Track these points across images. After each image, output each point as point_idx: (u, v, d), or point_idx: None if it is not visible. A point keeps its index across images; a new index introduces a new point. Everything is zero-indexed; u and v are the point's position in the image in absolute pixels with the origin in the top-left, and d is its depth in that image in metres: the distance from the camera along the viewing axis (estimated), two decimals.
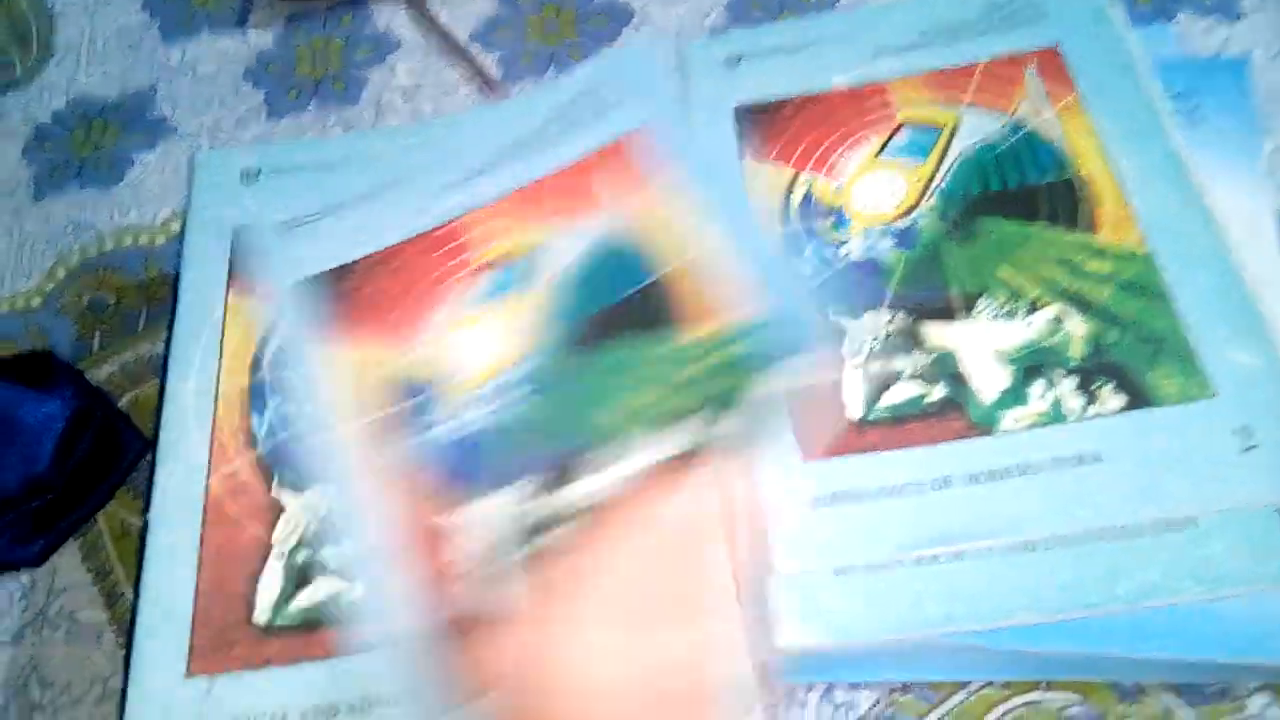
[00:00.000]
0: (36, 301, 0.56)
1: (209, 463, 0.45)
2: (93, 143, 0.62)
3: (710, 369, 0.39)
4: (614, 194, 0.45)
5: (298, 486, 0.44)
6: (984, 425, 0.41)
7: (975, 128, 0.48)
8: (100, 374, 0.53)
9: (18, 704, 0.45)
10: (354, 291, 0.46)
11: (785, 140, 0.50)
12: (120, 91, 0.63)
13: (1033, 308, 0.44)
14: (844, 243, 0.47)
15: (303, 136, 0.59)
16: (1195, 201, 0.44)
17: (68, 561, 0.48)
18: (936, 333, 0.44)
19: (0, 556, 0.47)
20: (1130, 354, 0.42)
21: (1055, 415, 0.41)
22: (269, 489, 0.44)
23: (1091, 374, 0.42)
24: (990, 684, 0.40)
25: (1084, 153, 0.47)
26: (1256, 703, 0.39)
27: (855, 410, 0.43)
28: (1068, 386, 0.42)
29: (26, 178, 0.61)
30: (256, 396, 0.46)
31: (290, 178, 0.53)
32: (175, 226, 0.57)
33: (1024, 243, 0.45)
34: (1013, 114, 0.48)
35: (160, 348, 0.53)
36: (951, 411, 0.42)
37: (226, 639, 0.41)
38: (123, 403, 0.52)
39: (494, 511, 0.39)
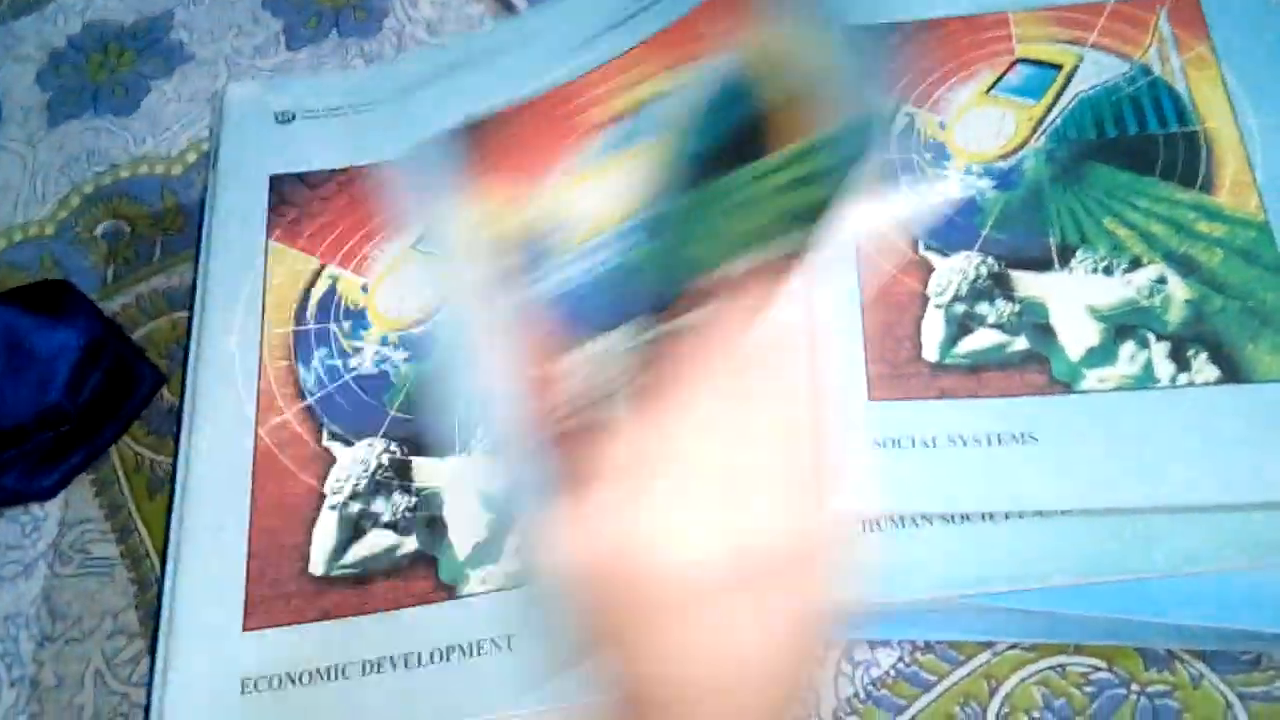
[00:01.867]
0: (50, 230, 0.55)
1: (256, 414, 0.44)
2: (108, 69, 0.60)
3: (792, 183, 0.38)
4: (723, 33, 0.44)
5: (347, 438, 0.43)
6: (1066, 382, 0.39)
7: (1096, 70, 0.46)
8: (114, 305, 0.52)
9: (28, 635, 0.45)
10: (479, 148, 0.45)
11: (895, 68, 0.47)
12: (137, 16, 0.62)
13: (1134, 265, 0.41)
14: (944, 178, 0.45)
15: (322, 67, 0.57)
16: None
17: (80, 495, 0.48)
18: (1028, 281, 0.42)
19: (13, 489, 0.47)
20: (1232, 325, 0.40)
21: (1144, 379, 0.39)
22: (319, 439, 0.43)
23: (1186, 341, 0.40)
24: (1016, 646, 0.39)
25: (1210, 107, 0.44)
26: None
27: (931, 353, 0.41)
28: (1160, 351, 0.39)
29: (41, 104, 0.60)
30: (302, 346, 0.45)
31: (324, 121, 0.51)
32: (192, 156, 0.56)
33: (1134, 195, 0.43)
34: (1139, 59, 0.46)
35: (175, 280, 0.52)
36: (1033, 364, 0.40)
37: (283, 591, 0.40)
38: (137, 335, 0.51)
39: (602, 352, 0.38)
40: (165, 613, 0.40)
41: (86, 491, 0.48)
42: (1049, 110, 0.45)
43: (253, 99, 0.51)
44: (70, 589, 0.46)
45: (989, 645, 0.40)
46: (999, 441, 0.38)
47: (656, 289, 0.37)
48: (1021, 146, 0.45)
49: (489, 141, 0.43)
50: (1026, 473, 0.38)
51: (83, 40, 0.62)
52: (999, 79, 0.47)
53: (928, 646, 0.40)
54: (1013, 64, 0.47)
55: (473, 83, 0.49)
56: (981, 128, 0.46)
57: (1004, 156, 0.45)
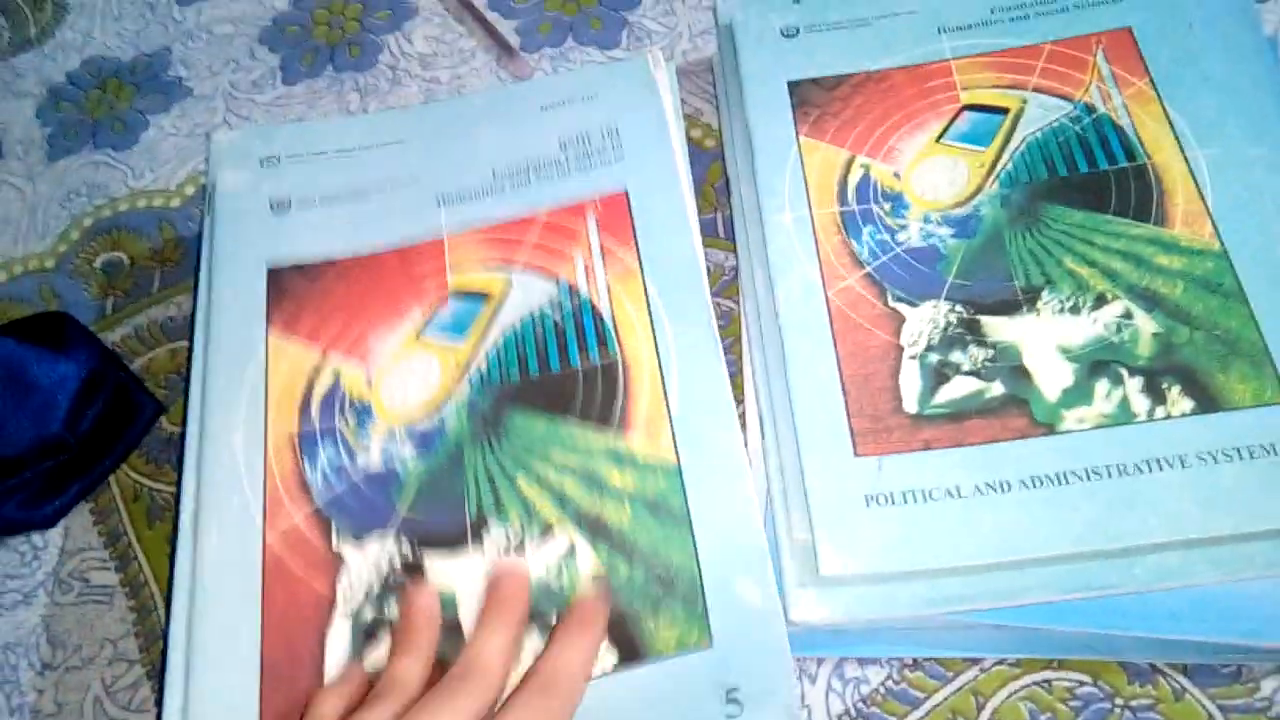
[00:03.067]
0: (50, 263, 0.56)
1: (263, 518, 0.42)
2: (107, 104, 0.61)
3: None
4: (1109, 72, 0.46)
5: (358, 538, 0.42)
6: (1047, 424, 0.40)
7: (1041, 112, 0.47)
8: (114, 336, 0.53)
9: (28, 663, 0.45)
10: (838, 102, 0.47)
11: (842, 121, 0.48)
12: (135, 52, 0.63)
13: (1100, 302, 0.42)
14: (903, 228, 0.45)
15: (317, 103, 0.59)
16: (1276, 196, 0.43)
17: (79, 523, 0.48)
18: (998, 325, 0.42)
19: (12, 517, 0.47)
20: (1201, 355, 0.40)
21: (1122, 416, 0.39)
22: (329, 544, 0.42)
23: (1159, 374, 0.40)
24: (1002, 662, 0.40)
25: (1156, 141, 0.45)
26: (1270, 685, 0.39)
27: (911, 404, 0.41)
28: (1134, 386, 0.40)
29: (40, 138, 0.61)
30: (308, 445, 0.44)
31: (320, 210, 0.50)
32: (190, 189, 0.57)
33: (1091, 233, 0.43)
34: (1081, 98, 0.47)
35: (173, 310, 0.53)
36: (1013, 409, 0.40)
37: (299, 701, 0.38)
38: (136, 365, 0.52)
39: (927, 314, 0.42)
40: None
41: (86, 520, 0.48)
42: (999, 155, 0.46)
43: (248, 185, 0.50)
44: (70, 617, 0.46)
45: (976, 661, 0.40)
46: (988, 489, 0.39)
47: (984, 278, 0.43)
48: (976, 193, 0.46)
49: (846, 98, 0.48)
50: (1016, 519, 0.38)
51: (82, 76, 0.63)
52: (947, 127, 0.47)
53: (916, 664, 0.41)
54: (959, 111, 0.48)
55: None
56: (936, 176, 0.46)
57: (960, 204, 0.45)
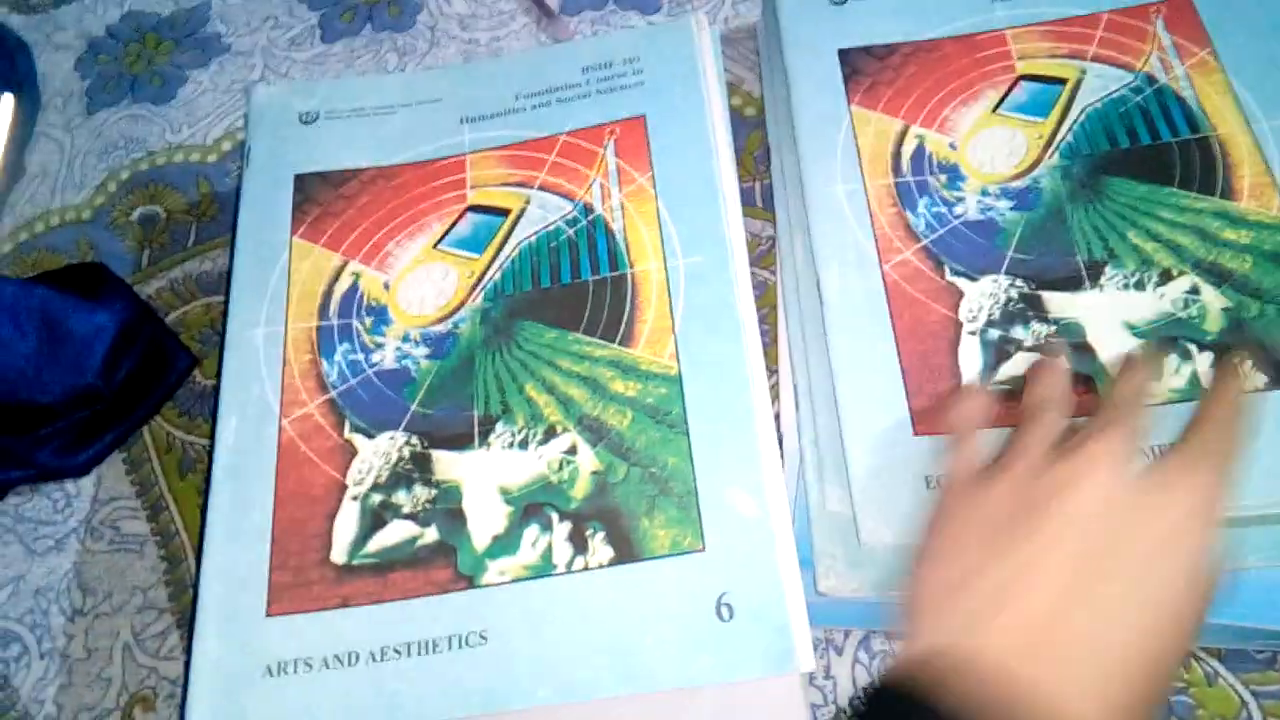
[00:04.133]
0: (87, 214, 0.56)
1: (280, 406, 0.45)
2: (146, 58, 0.61)
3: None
4: (1169, 43, 0.45)
5: (369, 431, 0.44)
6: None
7: (1100, 82, 0.46)
8: (149, 289, 0.53)
9: (59, 609, 0.46)
10: (891, 71, 0.47)
11: (895, 90, 0.47)
12: (175, 8, 0.63)
13: (1166, 277, 0.41)
14: (959, 199, 0.44)
15: (355, 62, 0.58)
16: None
17: (113, 473, 0.49)
18: (1060, 301, 0.42)
19: (47, 464, 0.48)
20: (1272, 329, 0.39)
21: (1189, 392, 0.39)
22: (341, 432, 0.44)
23: (1229, 349, 0.39)
24: None
25: (1220, 113, 0.44)
26: None
27: (972, 378, 0.40)
28: (1204, 362, 0.39)
29: (79, 91, 0.61)
30: (325, 340, 0.46)
31: (347, 122, 0.52)
32: (227, 145, 0.57)
33: (1155, 207, 0.43)
34: (1141, 68, 0.46)
35: (208, 265, 0.53)
36: (1077, 387, 0.38)
37: (305, 579, 0.41)
38: (171, 319, 0.52)
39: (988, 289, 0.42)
40: (196, 597, 0.41)
41: (119, 470, 0.49)
42: (1058, 126, 0.45)
43: (278, 100, 0.53)
44: (101, 564, 0.47)
45: None
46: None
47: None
48: (1035, 165, 0.45)
49: (898, 66, 0.47)
50: None
51: (121, 30, 0.63)
52: (1004, 97, 0.47)
53: None
54: (1016, 81, 0.47)
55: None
56: (993, 148, 0.46)
57: (1018, 176, 0.45)
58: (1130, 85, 0.46)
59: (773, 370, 0.45)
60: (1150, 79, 0.46)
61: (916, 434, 0.40)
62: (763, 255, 0.49)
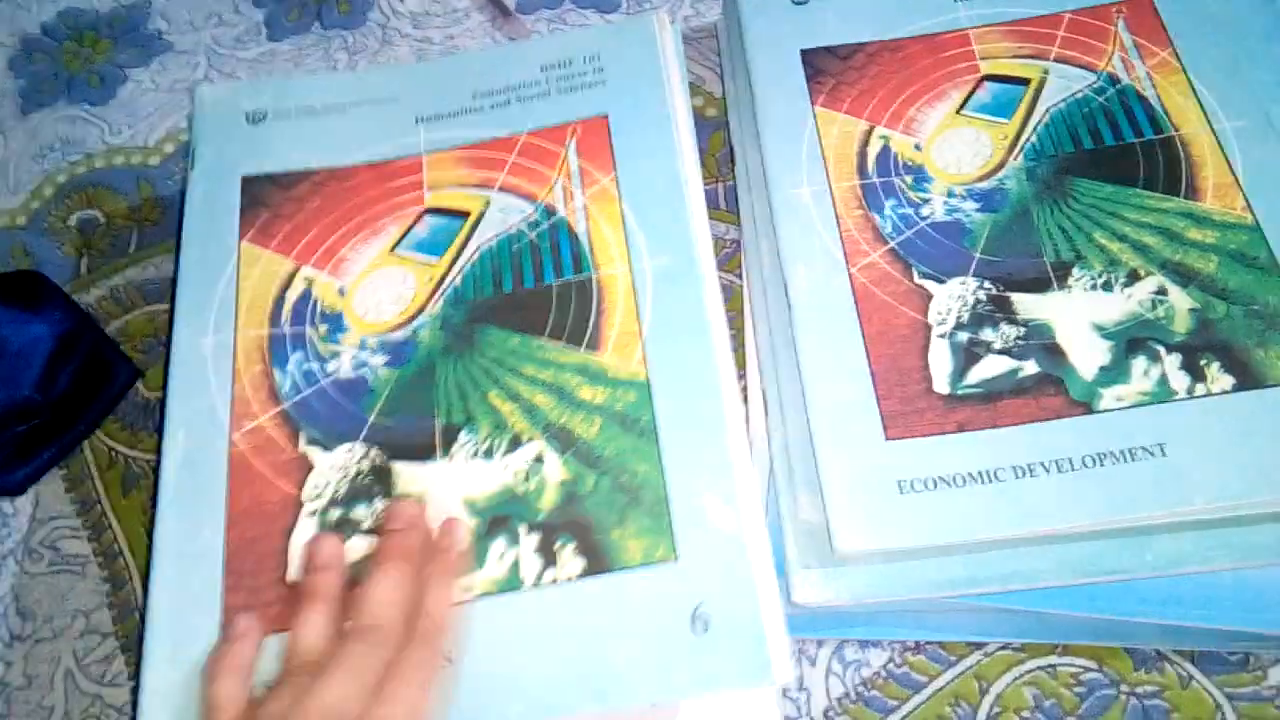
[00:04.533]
0: (22, 220, 0.54)
1: (230, 418, 0.43)
2: (83, 57, 0.59)
3: None
4: (1131, 43, 0.45)
5: (326, 444, 0.42)
6: (1085, 403, 0.38)
7: (1063, 83, 0.46)
8: (88, 297, 0.51)
9: None
10: (854, 71, 0.47)
11: (859, 91, 0.47)
12: (114, 4, 0.60)
13: (1133, 278, 0.41)
14: (925, 201, 0.44)
15: (303, 61, 0.57)
16: None
17: (51, 491, 0.46)
18: (1029, 302, 0.41)
19: None
20: (1239, 330, 0.39)
21: (1161, 394, 0.38)
22: (296, 445, 0.42)
23: (1197, 351, 0.39)
24: (1006, 646, 0.39)
25: (1182, 112, 0.44)
26: (1278, 674, 0.38)
27: (941, 385, 0.40)
28: (1173, 363, 0.39)
29: (12, 91, 0.58)
30: (277, 348, 0.44)
31: (296, 122, 0.50)
32: (170, 147, 0.55)
33: (1121, 207, 0.43)
34: (1103, 69, 0.46)
35: (151, 272, 0.51)
36: (1049, 388, 0.39)
37: (262, 599, 0.39)
38: (112, 328, 0.50)
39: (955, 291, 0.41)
40: (144, 622, 0.39)
41: (58, 487, 0.46)
42: (1022, 127, 0.45)
43: (224, 100, 0.51)
44: (40, 587, 0.44)
45: (979, 646, 0.40)
46: (1024, 473, 0.37)
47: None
48: (1001, 166, 0.45)
49: (861, 68, 0.47)
50: (1050, 500, 0.37)
51: (57, 27, 0.60)
52: (968, 98, 0.46)
53: (918, 647, 0.40)
54: (979, 81, 0.47)
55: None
56: (958, 148, 0.45)
57: (984, 177, 0.44)
58: (1093, 85, 0.46)
59: (740, 375, 0.44)
60: (1113, 79, 0.46)
61: (888, 439, 0.39)
62: (728, 258, 0.48)
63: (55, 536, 0.45)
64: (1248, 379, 0.38)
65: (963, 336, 0.41)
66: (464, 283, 0.45)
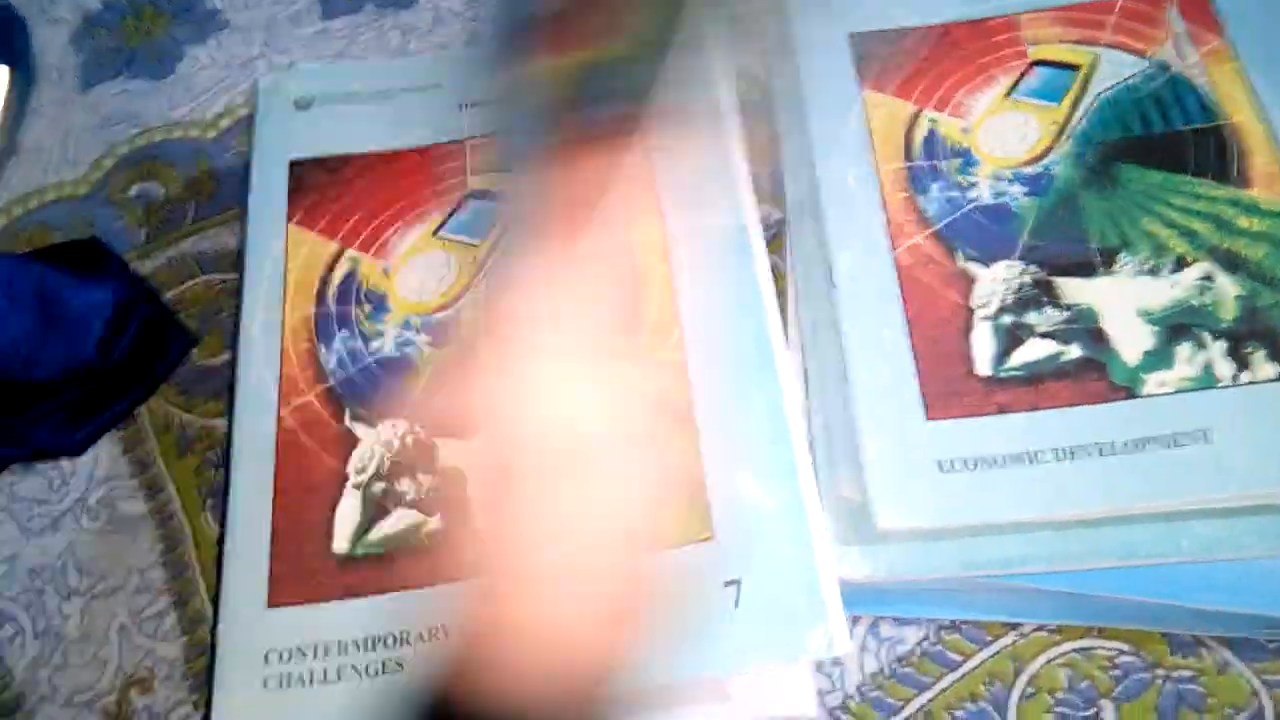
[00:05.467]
0: (84, 191, 0.55)
1: (279, 396, 0.44)
2: (143, 32, 0.60)
3: None
4: (1183, 30, 0.45)
5: (370, 420, 0.43)
6: (1127, 388, 0.39)
7: (1113, 69, 0.46)
8: (145, 267, 0.52)
9: (54, 589, 0.45)
10: (902, 55, 0.47)
11: (907, 75, 0.47)
12: None
13: (1179, 265, 0.41)
14: (972, 185, 0.44)
15: (357, 39, 0.58)
16: None
17: (109, 452, 0.48)
18: (1074, 287, 0.41)
19: (43, 443, 0.47)
20: None
21: (1205, 380, 0.39)
22: (341, 421, 0.43)
23: (1243, 338, 0.39)
24: (1042, 628, 0.40)
25: (1233, 101, 0.44)
26: None
27: (984, 367, 0.40)
28: (1218, 350, 0.39)
29: (74, 66, 0.60)
30: (323, 328, 0.45)
31: (343, 107, 0.51)
32: (226, 123, 0.56)
33: (1169, 194, 0.43)
34: (1155, 56, 0.46)
35: (207, 244, 0.52)
36: (1091, 372, 0.39)
37: (306, 568, 0.40)
38: (168, 297, 0.51)
39: None
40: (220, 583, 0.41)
41: (115, 449, 0.48)
42: (1071, 112, 0.45)
43: (276, 86, 0.52)
44: (97, 544, 0.46)
45: (1015, 626, 0.40)
46: (1065, 456, 0.38)
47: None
48: (1049, 150, 0.45)
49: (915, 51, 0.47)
50: (1091, 483, 0.37)
51: (117, 3, 0.62)
52: (1017, 82, 0.46)
53: (954, 625, 0.40)
54: (1029, 67, 0.47)
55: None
56: (1006, 133, 0.45)
57: (1032, 161, 0.45)
58: (1144, 72, 0.46)
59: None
60: (1164, 66, 0.46)
61: (929, 419, 0.39)
62: (771, 240, 0.48)
63: (113, 496, 0.47)
64: None
65: (1006, 320, 0.41)
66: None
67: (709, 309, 0.43)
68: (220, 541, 0.42)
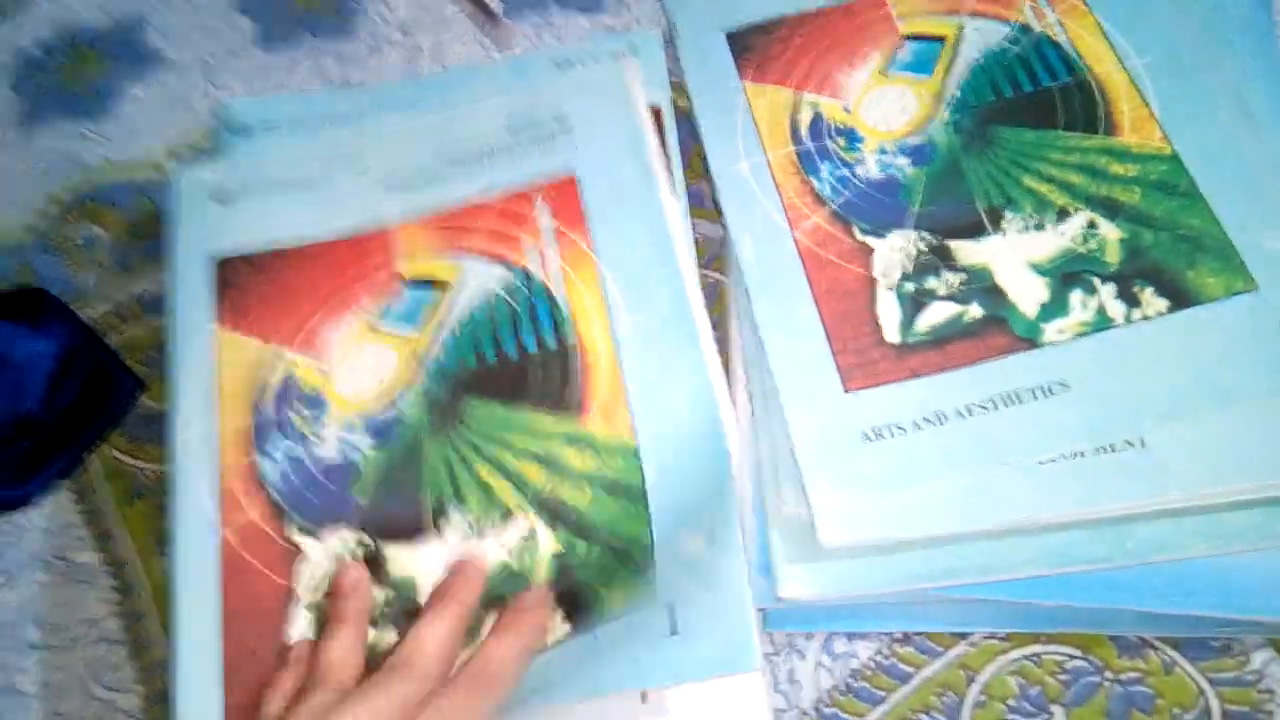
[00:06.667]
0: (26, 238, 0.55)
1: (220, 513, 0.42)
2: (81, 74, 0.60)
3: None
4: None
5: (317, 530, 0.41)
6: (1028, 339, 0.40)
7: (979, 36, 0.48)
8: (93, 312, 0.52)
9: (11, 644, 0.45)
10: (778, 44, 0.49)
11: (784, 62, 0.49)
12: (110, 20, 0.61)
13: (1062, 216, 0.43)
14: (859, 161, 0.46)
15: (296, 70, 0.57)
16: (1216, 93, 0.44)
17: (59, 503, 0.48)
18: (967, 249, 0.43)
19: None
20: (1168, 255, 0.41)
21: (1101, 322, 0.40)
22: (287, 536, 0.41)
23: (1130, 278, 0.41)
24: (991, 636, 0.40)
25: (1094, 54, 0.46)
26: (1260, 658, 0.39)
27: (893, 334, 0.42)
28: (1108, 293, 0.41)
29: (13, 110, 0.59)
30: (261, 438, 0.43)
31: (265, 196, 0.49)
32: (170, 162, 0.56)
33: (1045, 150, 0.44)
34: (1016, 19, 0.48)
35: (154, 285, 0.52)
36: (993, 328, 0.41)
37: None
38: (115, 342, 0.51)
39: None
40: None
41: (66, 499, 0.48)
42: (944, 81, 0.47)
43: (192, 179, 0.49)
44: (54, 597, 0.46)
45: (965, 636, 0.40)
46: (979, 410, 0.39)
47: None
48: (927, 120, 0.46)
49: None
50: (1011, 434, 0.38)
51: (55, 45, 0.61)
52: (890, 58, 0.48)
53: (906, 638, 0.41)
54: (900, 41, 0.48)
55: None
56: (885, 107, 0.47)
57: (912, 132, 0.46)
58: (1008, 36, 0.48)
59: (729, 375, 0.45)
60: (1025, 28, 0.48)
61: (848, 390, 0.41)
62: (713, 259, 0.49)
63: (67, 547, 0.47)
64: (1182, 299, 0.40)
65: (908, 287, 0.43)
66: (445, 354, 0.44)
67: (654, 384, 0.42)
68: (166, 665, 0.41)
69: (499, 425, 0.42)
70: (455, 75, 0.56)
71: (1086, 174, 0.43)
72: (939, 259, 0.43)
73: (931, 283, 0.42)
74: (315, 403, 0.44)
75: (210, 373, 0.45)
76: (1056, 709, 0.39)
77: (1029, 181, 0.44)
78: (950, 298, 0.42)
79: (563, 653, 0.38)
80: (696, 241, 0.48)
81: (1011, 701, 0.39)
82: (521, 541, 0.40)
